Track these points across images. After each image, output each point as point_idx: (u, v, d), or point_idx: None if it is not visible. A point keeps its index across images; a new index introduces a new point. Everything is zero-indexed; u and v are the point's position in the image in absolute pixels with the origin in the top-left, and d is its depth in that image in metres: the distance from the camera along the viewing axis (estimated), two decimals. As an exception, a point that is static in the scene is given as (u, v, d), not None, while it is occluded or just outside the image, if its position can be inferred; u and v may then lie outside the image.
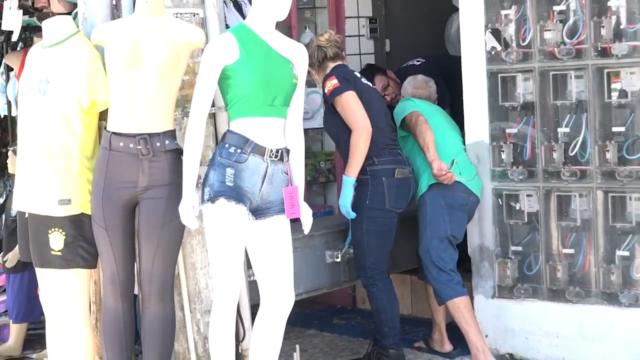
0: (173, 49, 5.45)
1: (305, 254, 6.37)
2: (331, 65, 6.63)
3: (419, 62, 8.38)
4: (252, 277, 5.80)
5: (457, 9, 7.38)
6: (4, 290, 7.79)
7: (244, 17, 6.78)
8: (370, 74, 7.94)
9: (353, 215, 6.43)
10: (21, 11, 6.59)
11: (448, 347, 7.11)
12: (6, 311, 7.74)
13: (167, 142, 5.44)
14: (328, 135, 7.48)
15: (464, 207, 6.74)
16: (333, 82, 6.46)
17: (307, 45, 6.54)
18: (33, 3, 6.95)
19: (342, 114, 6.45)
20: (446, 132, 6.89)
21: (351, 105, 6.42)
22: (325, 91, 6.52)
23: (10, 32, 8.12)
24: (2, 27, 6.55)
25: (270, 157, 5.40)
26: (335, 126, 6.61)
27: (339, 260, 6.80)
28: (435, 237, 6.65)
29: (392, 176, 6.53)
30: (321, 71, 6.65)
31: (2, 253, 7.64)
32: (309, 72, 6.39)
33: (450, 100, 7.92)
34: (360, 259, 6.59)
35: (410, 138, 6.82)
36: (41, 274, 5.76)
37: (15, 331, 7.63)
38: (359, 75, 6.77)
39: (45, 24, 5.67)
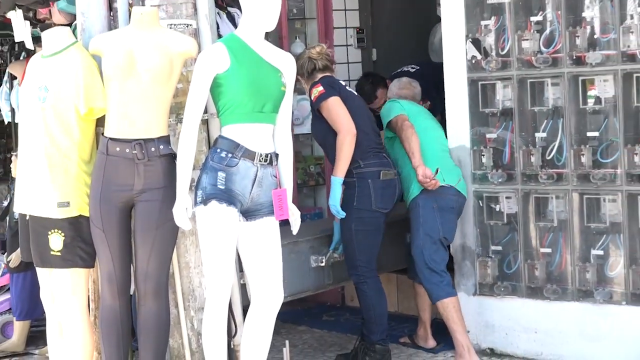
0: (167, 58, 5.46)
1: (291, 259, 6.36)
2: (319, 76, 6.64)
3: (414, 69, 8.39)
4: (242, 281, 5.84)
5: (440, 20, 7.40)
6: (8, 289, 7.78)
7: (236, 27, 6.78)
8: (371, 82, 8.06)
9: (343, 214, 6.44)
10: (28, 22, 6.61)
11: (432, 342, 7.12)
12: (10, 309, 7.73)
13: (161, 147, 5.45)
14: (315, 139, 7.51)
15: (454, 209, 6.74)
16: (319, 89, 6.48)
17: (298, 55, 6.60)
18: (35, 14, 6.95)
19: (328, 118, 6.46)
20: (431, 134, 6.87)
21: (336, 109, 6.42)
22: (312, 98, 6.53)
23: (14, 43, 8.19)
24: (15, 39, 6.56)
25: (260, 161, 5.42)
26: (322, 131, 6.61)
27: (323, 264, 6.78)
28: (428, 239, 6.64)
29: (377, 178, 6.53)
30: (309, 81, 6.65)
31: (5, 254, 7.64)
32: (298, 80, 6.44)
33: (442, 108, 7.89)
34: (351, 258, 6.59)
35: (398, 140, 6.80)
36: (41, 273, 5.77)
37: (19, 328, 7.63)
38: (343, 83, 6.79)
39: (45, 35, 5.67)
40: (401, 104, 6.92)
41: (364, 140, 6.49)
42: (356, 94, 6.91)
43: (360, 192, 6.49)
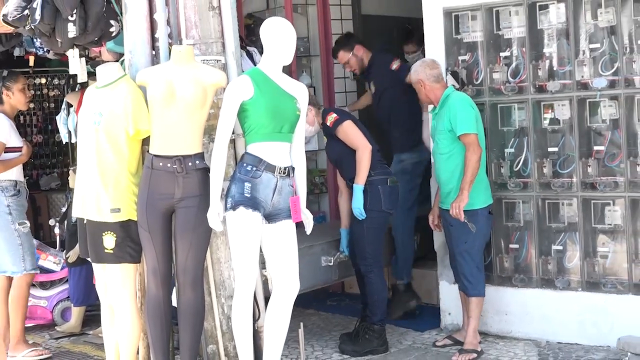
0: (200, 88, 5.36)
1: (305, 259, 6.26)
2: (322, 107, 6.70)
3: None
4: (264, 275, 5.74)
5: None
6: (67, 280, 7.68)
7: (254, 63, 6.70)
8: (344, 43, 7.72)
9: (364, 215, 6.33)
10: (84, 59, 6.50)
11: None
12: (68, 297, 7.62)
13: (197, 162, 5.35)
14: (328, 159, 7.38)
15: None
16: (333, 116, 6.43)
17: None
18: (88, 53, 6.86)
19: (346, 140, 6.38)
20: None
21: (352, 131, 6.36)
22: (327, 124, 6.43)
23: (70, 77, 8.09)
24: (70, 71, 6.46)
25: (279, 173, 5.35)
26: (338, 152, 6.52)
27: (331, 264, 6.72)
28: (482, 244, 6.40)
29: (385, 184, 6.42)
30: (319, 111, 6.55)
31: (65, 251, 7.53)
32: (310, 110, 6.37)
33: None
34: (362, 251, 6.47)
35: (458, 156, 6.23)
36: (97, 267, 5.68)
37: (76, 313, 7.53)
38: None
39: (99, 69, 5.59)
40: (478, 118, 6.29)
41: (372, 155, 6.38)
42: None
43: (372, 196, 6.37)
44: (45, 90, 11.09)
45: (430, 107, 6.60)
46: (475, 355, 6.16)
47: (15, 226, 6.82)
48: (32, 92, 10.88)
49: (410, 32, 8.52)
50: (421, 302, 7.37)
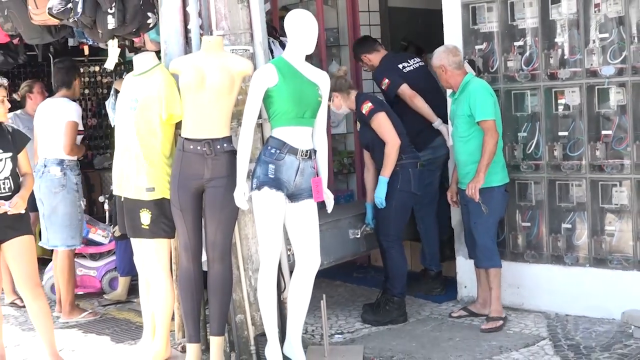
0: (228, 76, 5.23)
1: (334, 232, 6.21)
2: (351, 91, 6.43)
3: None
4: (289, 251, 5.62)
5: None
6: (114, 252, 7.64)
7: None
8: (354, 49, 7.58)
9: (384, 205, 6.22)
10: (119, 49, 6.39)
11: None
12: (115, 268, 7.59)
13: (225, 145, 5.24)
14: (360, 143, 7.22)
15: None
16: (369, 105, 6.27)
17: (333, 74, 6.37)
18: (132, 43, 6.76)
19: (377, 130, 6.25)
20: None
21: (385, 124, 6.23)
22: (363, 112, 6.29)
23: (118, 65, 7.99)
24: (107, 63, 6.35)
25: (301, 156, 5.23)
26: (370, 139, 6.39)
27: (358, 236, 6.57)
28: (497, 220, 6.23)
29: (415, 167, 6.33)
30: (346, 95, 6.40)
31: (112, 225, 7.48)
32: (336, 97, 6.34)
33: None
34: (386, 227, 6.34)
35: (476, 140, 6.06)
36: (134, 242, 5.60)
37: (122, 282, 7.49)
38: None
39: (135, 59, 5.51)
40: (496, 104, 6.12)
41: (403, 141, 6.27)
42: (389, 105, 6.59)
43: (402, 178, 6.26)
44: (99, 78, 11.11)
45: (449, 91, 6.41)
46: (501, 322, 6.04)
47: (80, 203, 6.89)
48: (87, 79, 10.94)
49: (406, 47, 8.36)
50: (444, 292, 7.06)
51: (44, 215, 6.79)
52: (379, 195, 6.24)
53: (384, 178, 6.23)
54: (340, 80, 6.37)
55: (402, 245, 6.50)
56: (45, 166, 6.80)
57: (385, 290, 6.47)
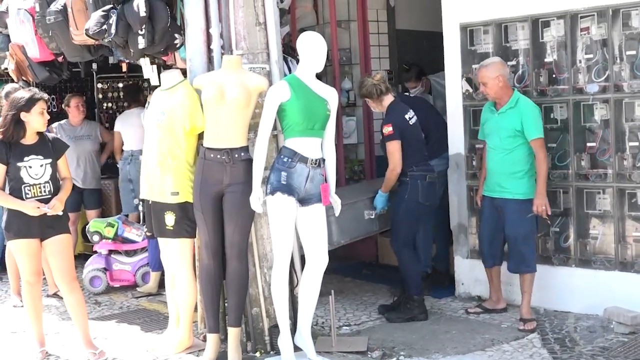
0: (245, 91, 5.20)
1: (351, 214, 6.06)
2: (385, 98, 6.15)
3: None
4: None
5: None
6: (147, 249, 7.60)
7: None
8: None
9: (379, 212, 6.26)
10: (155, 66, 6.37)
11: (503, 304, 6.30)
12: (147, 263, 7.55)
13: (242, 154, 5.20)
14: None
15: None
16: (389, 129, 6.05)
17: (361, 83, 6.26)
18: (163, 61, 6.73)
19: (387, 153, 6.10)
20: None
21: (394, 153, 6.03)
22: (384, 132, 6.10)
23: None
24: (144, 76, 6.36)
25: (311, 164, 5.18)
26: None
27: (373, 217, 6.37)
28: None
29: (424, 180, 6.10)
30: (378, 101, 6.17)
31: (145, 225, 7.45)
32: (366, 101, 6.29)
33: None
34: (396, 233, 6.19)
35: (517, 153, 5.83)
36: (160, 241, 5.59)
37: (154, 277, 7.44)
38: (408, 116, 6.19)
39: (163, 75, 5.50)
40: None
41: (417, 153, 6.13)
42: (413, 118, 6.22)
43: (411, 189, 6.09)
44: (138, 92, 11.05)
45: (486, 105, 6.08)
46: (535, 323, 5.80)
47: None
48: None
49: (408, 70, 8.13)
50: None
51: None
52: (376, 205, 6.22)
53: (383, 194, 6.20)
54: (370, 88, 6.14)
55: (412, 249, 6.27)
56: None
57: (403, 291, 6.31)
